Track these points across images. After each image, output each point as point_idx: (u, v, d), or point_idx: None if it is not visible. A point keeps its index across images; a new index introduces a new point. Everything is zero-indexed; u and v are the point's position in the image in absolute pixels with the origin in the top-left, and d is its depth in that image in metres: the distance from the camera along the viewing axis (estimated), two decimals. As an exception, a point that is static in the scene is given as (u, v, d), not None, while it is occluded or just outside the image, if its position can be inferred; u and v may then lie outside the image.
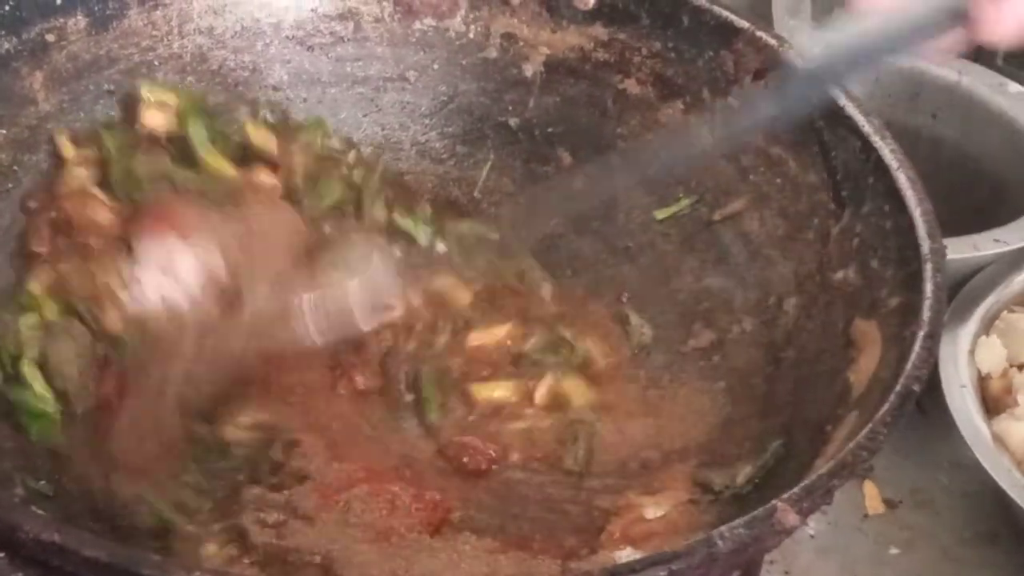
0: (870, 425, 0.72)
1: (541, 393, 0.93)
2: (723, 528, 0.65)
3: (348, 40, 1.09)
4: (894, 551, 1.01)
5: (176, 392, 0.84)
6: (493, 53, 1.09)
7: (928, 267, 0.82)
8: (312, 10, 1.08)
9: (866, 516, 1.03)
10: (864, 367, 0.82)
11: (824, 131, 0.94)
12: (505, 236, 1.00)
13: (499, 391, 0.93)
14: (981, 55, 1.32)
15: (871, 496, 1.04)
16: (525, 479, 0.89)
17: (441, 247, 1.00)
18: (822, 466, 0.71)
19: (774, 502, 0.66)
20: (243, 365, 0.87)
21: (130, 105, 0.98)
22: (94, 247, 0.90)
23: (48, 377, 0.85)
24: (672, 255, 1.03)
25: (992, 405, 1.00)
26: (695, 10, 1.02)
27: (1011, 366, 1.03)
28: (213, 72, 1.05)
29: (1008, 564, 1.00)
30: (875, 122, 0.92)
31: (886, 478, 1.05)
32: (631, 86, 1.06)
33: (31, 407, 0.84)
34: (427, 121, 1.11)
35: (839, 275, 0.91)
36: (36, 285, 0.89)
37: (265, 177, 0.97)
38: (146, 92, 0.97)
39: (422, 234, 1.00)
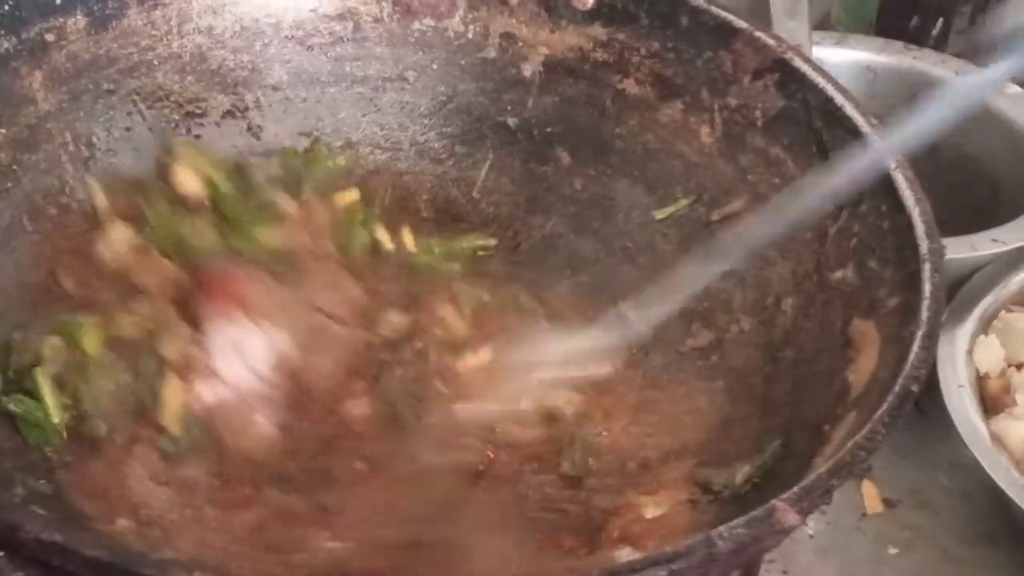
0: (869, 425, 0.72)
1: (528, 413, 0.92)
2: (722, 528, 0.65)
3: (347, 40, 1.09)
4: (893, 551, 1.01)
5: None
6: (492, 53, 1.09)
7: (926, 267, 0.82)
8: (311, 10, 1.08)
9: (865, 516, 1.04)
10: (862, 367, 0.82)
11: (822, 131, 0.95)
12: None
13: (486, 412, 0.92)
14: (978, 56, 1.32)
15: (870, 496, 1.04)
16: (523, 480, 0.89)
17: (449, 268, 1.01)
18: (821, 466, 0.71)
19: (773, 502, 0.66)
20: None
21: (165, 164, 0.98)
22: (150, 311, 0.89)
23: (75, 400, 0.85)
24: (671, 255, 1.03)
25: (990, 405, 1.01)
26: (694, 10, 1.02)
27: (1009, 366, 1.03)
28: (212, 72, 1.05)
29: (1007, 564, 1.00)
30: (873, 122, 0.92)
31: (885, 478, 1.05)
32: (630, 86, 1.06)
33: (30, 417, 0.84)
34: (426, 121, 1.11)
35: (837, 275, 0.91)
36: (89, 325, 0.88)
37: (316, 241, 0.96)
38: (179, 153, 0.97)
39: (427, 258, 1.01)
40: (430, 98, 1.11)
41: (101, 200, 0.96)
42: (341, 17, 1.08)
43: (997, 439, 0.97)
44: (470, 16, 1.09)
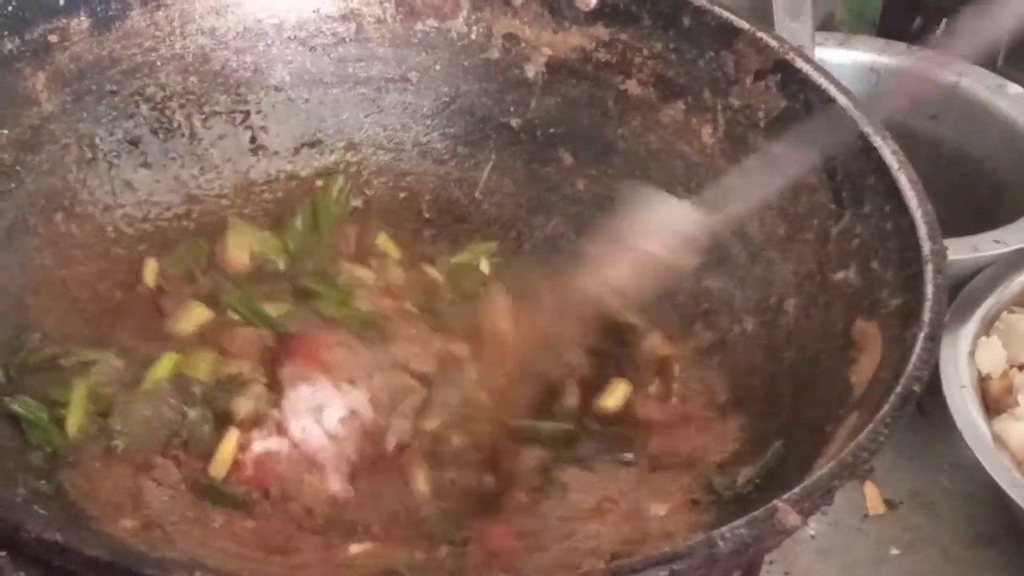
0: (871, 426, 0.72)
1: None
2: (724, 528, 0.65)
3: (350, 41, 1.09)
4: (895, 552, 1.01)
5: None
6: (495, 54, 1.09)
7: (929, 268, 0.82)
8: (314, 11, 1.08)
9: (866, 517, 1.03)
10: (865, 368, 0.82)
11: (824, 132, 0.94)
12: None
13: None
14: (981, 57, 1.32)
15: (872, 497, 1.04)
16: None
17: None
18: (823, 467, 0.71)
19: (775, 502, 0.66)
20: None
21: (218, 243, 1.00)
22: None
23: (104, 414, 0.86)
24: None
25: (992, 406, 1.01)
26: (696, 11, 1.02)
27: (1011, 367, 1.03)
28: (215, 72, 1.05)
29: (1009, 565, 1.00)
30: (875, 123, 0.92)
31: (887, 479, 1.05)
32: (632, 87, 1.06)
33: (32, 418, 0.85)
34: (429, 122, 1.11)
35: (839, 276, 0.91)
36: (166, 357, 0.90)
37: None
38: (232, 236, 1.00)
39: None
40: (433, 99, 1.11)
41: (152, 276, 0.99)
42: (344, 18, 1.09)
43: (999, 440, 0.96)
44: (473, 17, 1.09)
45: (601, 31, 1.06)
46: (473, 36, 1.09)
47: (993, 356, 1.03)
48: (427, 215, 1.09)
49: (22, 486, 0.78)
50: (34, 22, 0.95)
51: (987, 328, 1.05)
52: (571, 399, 0.94)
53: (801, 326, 0.92)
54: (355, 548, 0.81)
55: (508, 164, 1.10)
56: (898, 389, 0.74)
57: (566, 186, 1.08)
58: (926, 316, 0.79)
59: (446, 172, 1.10)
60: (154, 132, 1.03)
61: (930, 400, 0.97)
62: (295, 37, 1.08)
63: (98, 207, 1.00)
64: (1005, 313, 1.06)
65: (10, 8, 0.93)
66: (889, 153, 0.89)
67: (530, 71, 1.09)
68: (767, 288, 0.96)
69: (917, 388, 0.74)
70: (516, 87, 1.09)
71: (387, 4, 1.09)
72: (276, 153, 1.08)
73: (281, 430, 0.87)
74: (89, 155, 0.99)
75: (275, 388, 0.89)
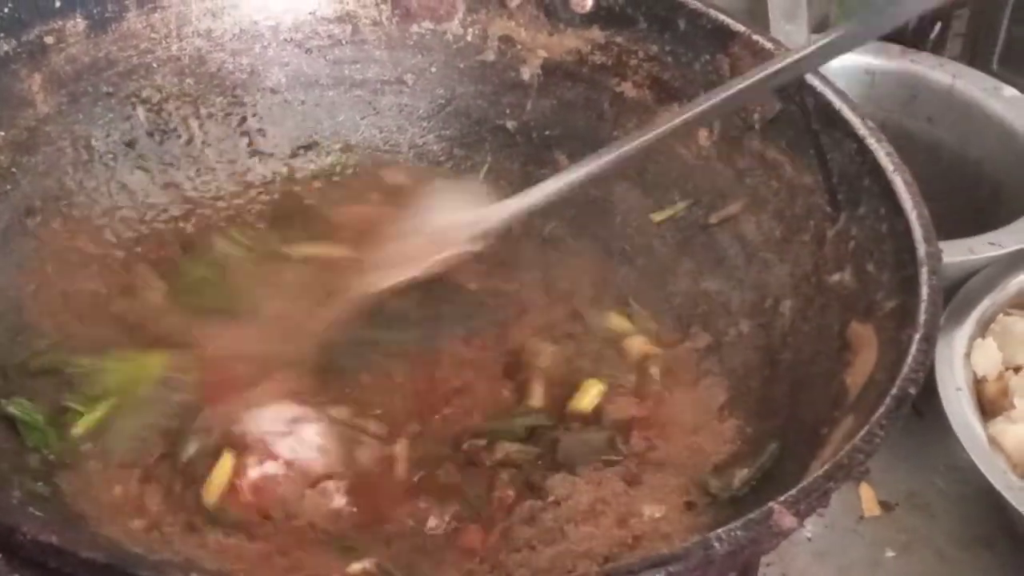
0: (866, 427, 0.72)
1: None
2: (720, 530, 0.65)
3: (346, 43, 1.09)
4: (890, 554, 1.01)
5: None
6: (491, 56, 1.09)
7: (924, 270, 0.82)
8: (310, 13, 1.08)
9: (862, 518, 1.04)
10: (860, 370, 0.82)
11: (820, 134, 0.95)
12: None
13: None
14: (976, 59, 1.32)
15: (867, 498, 1.04)
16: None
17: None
18: (818, 468, 0.70)
19: (771, 504, 0.66)
20: None
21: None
22: None
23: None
24: (669, 258, 1.03)
25: (988, 408, 1.01)
26: (691, 14, 1.02)
27: (1007, 369, 1.03)
28: (211, 74, 1.05)
29: (1004, 567, 1.00)
30: (871, 125, 0.92)
31: (882, 480, 1.05)
32: (628, 89, 1.06)
33: (28, 420, 0.84)
34: (425, 124, 1.11)
35: (835, 278, 0.91)
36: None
37: None
38: None
39: None
40: (429, 101, 1.11)
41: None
42: (340, 20, 1.09)
43: (994, 442, 0.97)
44: (469, 19, 1.09)
45: (597, 34, 1.06)
46: (469, 38, 1.09)
47: (989, 358, 1.03)
48: (423, 217, 1.09)
49: (18, 488, 0.78)
50: (30, 23, 0.95)
51: (983, 330, 1.05)
52: (536, 400, 0.93)
53: (797, 328, 0.92)
54: (356, 567, 0.80)
55: (504, 166, 1.10)
56: (894, 391, 0.74)
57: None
58: (921, 318, 0.79)
59: (442, 174, 1.10)
60: (150, 134, 1.03)
61: (926, 402, 0.97)
62: (291, 39, 1.08)
63: (94, 209, 1.00)
64: (1001, 315, 1.07)
65: (6, 9, 0.93)
66: (884, 155, 0.89)
67: (526, 73, 1.09)
68: (763, 290, 0.96)
69: (912, 390, 0.74)
70: (512, 89, 1.10)
71: (383, 6, 1.09)
72: (272, 155, 1.08)
73: (271, 454, 0.85)
74: (85, 157, 0.99)
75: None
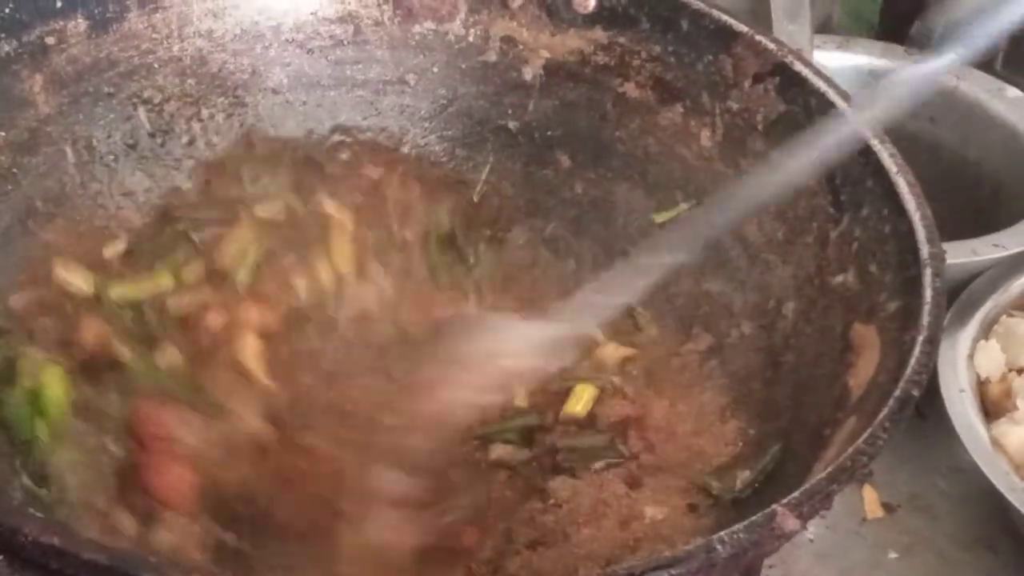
0: (869, 429, 0.72)
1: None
2: (723, 533, 0.65)
3: (348, 43, 1.09)
4: (892, 555, 1.01)
5: None
6: (493, 56, 1.09)
7: (927, 272, 0.82)
8: (312, 13, 1.08)
9: (865, 520, 1.03)
10: (863, 371, 0.82)
11: (822, 136, 0.94)
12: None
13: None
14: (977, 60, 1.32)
15: (870, 500, 1.04)
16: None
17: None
18: (821, 470, 0.70)
19: (774, 507, 0.66)
20: None
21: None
22: None
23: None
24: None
25: (991, 409, 1.01)
26: (694, 14, 1.02)
27: (1010, 370, 1.03)
28: (213, 75, 1.05)
29: (1006, 569, 1.00)
30: (874, 126, 0.92)
31: (885, 482, 1.05)
32: (630, 90, 1.06)
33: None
34: (427, 124, 1.11)
35: (838, 279, 0.91)
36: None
37: None
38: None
39: None
40: (431, 101, 1.11)
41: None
42: (341, 20, 1.08)
43: (997, 444, 0.96)
44: (471, 19, 1.09)
45: (599, 34, 1.06)
46: (471, 39, 1.09)
47: (992, 360, 1.03)
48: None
49: (19, 489, 0.78)
50: (31, 24, 0.95)
51: (986, 332, 1.05)
52: (521, 401, 0.93)
53: (800, 330, 0.92)
54: None
55: (506, 167, 1.10)
56: (896, 393, 0.74)
57: (564, 189, 1.08)
58: (924, 320, 0.79)
59: (444, 175, 1.10)
60: (152, 135, 1.03)
61: (928, 404, 0.97)
62: (293, 40, 1.08)
63: (96, 210, 0.99)
64: (1004, 317, 1.06)
65: (7, 10, 0.93)
66: (887, 156, 0.89)
67: (528, 74, 1.09)
68: (766, 291, 0.96)
69: (915, 392, 0.74)
70: (514, 90, 1.09)
71: (385, 6, 1.09)
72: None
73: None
74: (86, 158, 0.99)
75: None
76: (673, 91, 1.04)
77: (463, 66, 1.10)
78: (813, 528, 1.01)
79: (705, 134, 1.02)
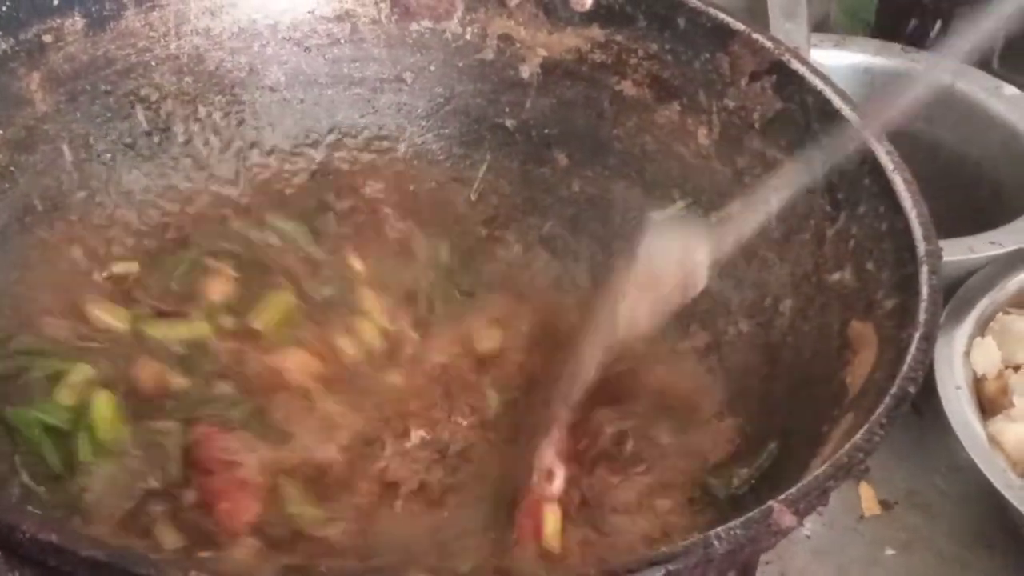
0: (866, 426, 0.72)
1: None
2: (719, 529, 0.65)
3: (345, 41, 1.09)
4: (889, 552, 1.01)
5: None
6: (490, 55, 1.09)
7: (924, 269, 0.82)
8: (309, 12, 1.07)
9: (862, 517, 1.04)
10: (860, 368, 0.82)
11: (820, 134, 0.95)
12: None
13: None
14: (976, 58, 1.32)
15: (867, 497, 1.04)
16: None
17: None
18: (818, 467, 0.70)
19: (770, 503, 0.66)
20: None
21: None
22: None
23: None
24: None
25: (987, 407, 1.01)
26: (691, 12, 1.02)
27: (1006, 367, 1.03)
28: (210, 73, 1.05)
29: (1004, 566, 1.00)
30: (871, 124, 0.92)
31: (882, 479, 1.05)
32: (628, 88, 1.06)
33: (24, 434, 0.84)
34: (424, 122, 1.11)
35: (835, 277, 0.91)
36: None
37: None
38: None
39: None
40: (428, 100, 1.11)
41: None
42: (339, 19, 1.08)
43: (994, 441, 0.97)
44: (468, 18, 1.09)
45: (596, 32, 1.06)
46: (468, 37, 1.09)
47: (988, 357, 1.03)
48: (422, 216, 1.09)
49: (16, 486, 0.78)
50: (28, 22, 0.95)
51: (982, 329, 1.05)
52: None
53: (797, 327, 0.92)
54: None
55: (503, 165, 1.10)
56: (893, 390, 0.74)
57: (562, 187, 1.08)
58: (921, 317, 0.79)
59: (441, 173, 1.10)
60: (149, 133, 1.03)
61: (925, 401, 0.97)
62: (290, 38, 1.08)
63: (93, 209, 0.99)
64: (1000, 314, 1.07)
65: (4, 8, 0.93)
66: (884, 154, 0.89)
67: (525, 72, 1.09)
68: (763, 289, 0.96)
69: (912, 389, 0.74)
70: (511, 88, 1.09)
71: (382, 5, 1.09)
72: (271, 154, 1.08)
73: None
74: (84, 156, 0.99)
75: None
76: (670, 89, 1.04)
77: (460, 64, 1.10)
78: (810, 525, 1.01)
79: (702, 132, 1.02)
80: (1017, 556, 1.00)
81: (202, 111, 1.05)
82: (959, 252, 1.06)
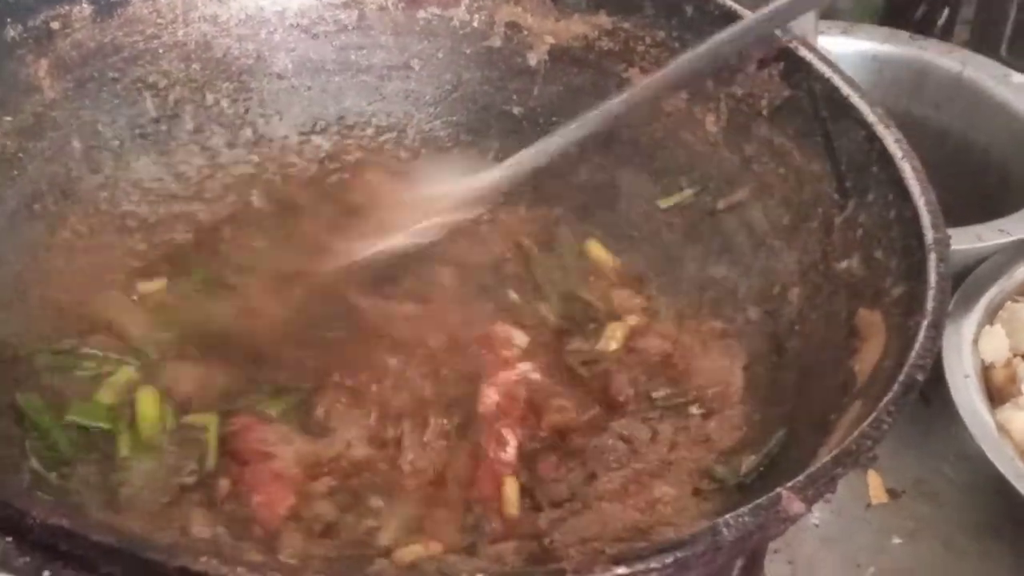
0: (874, 414, 0.72)
1: None
2: (728, 516, 0.65)
3: (352, 28, 1.09)
4: (897, 540, 1.01)
5: None
6: (497, 42, 1.09)
7: (932, 257, 0.81)
8: (317, -1, 1.08)
9: (869, 505, 1.04)
10: (868, 356, 0.82)
11: (828, 121, 0.94)
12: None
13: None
14: (984, 45, 1.32)
15: (875, 485, 1.04)
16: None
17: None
18: (826, 455, 0.70)
19: (778, 490, 0.66)
20: None
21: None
22: None
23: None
24: (676, 244, 1.03)
25: (996, 395, 1.01)
26: (699, 0, 1.02)
27: (1015, 356, 1.03)
28: (217, 60, 1.05)
29: (1010, 554, 1.00)
30: (879, 112, 0.92)
31: (890, 467, 1.05)
32: (635, 75, 1.06)
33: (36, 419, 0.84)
34: (431, 109, 1.11)
35: (843, 265, 0.90)
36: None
37: None
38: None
39: None
40: (435, 87, 1.11)
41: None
42: (346, 5, 1.08)
43: (1002, 429, 0.96)
44: (475, 5, 1.09)
45: (604, 19, 1.06)
46: (475, 24, 1.09)
47: (996, 345, 1.03)
48: (430, 203, 1.09)
49: (27, 472, 0.78)
50: (36, 9, 0.95)
51: (991, 317, 1.05)
52: None
53: (805, 315, 0.92)
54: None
55: (511, 152, 1.09)
56: (901, 378, 0.74)
57: (569, 174, 1.08)
58: (929, 305, 0.79)
59: (449, 160, 1.10)
60: (156, 120, 1.03)
61: (933, 389, 0.97)
62: (297, 24, 1.08)
63: (101, 195, 1.00)
64: (1009, 302, 1.06)
65: (12, -5, 0.93)
66: (893, 142, 0.89)
67: (532, 59, 1.09)
68: (771, 277, 0.96)
69: (920, 377, 0.74)
70: (519, 75, 1.09)
71: (389, -8, 1.09)
72: (278, 140, 1.08)
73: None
74: (92, 142, 0.99)
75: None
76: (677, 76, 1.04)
77: (468, 51, 1.10)
78: (818, 513, 1.01)
79: (710, 119, 1.02)
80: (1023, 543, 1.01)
81: (210, 98, 1.05)
82: (967, 240, 1.06)
